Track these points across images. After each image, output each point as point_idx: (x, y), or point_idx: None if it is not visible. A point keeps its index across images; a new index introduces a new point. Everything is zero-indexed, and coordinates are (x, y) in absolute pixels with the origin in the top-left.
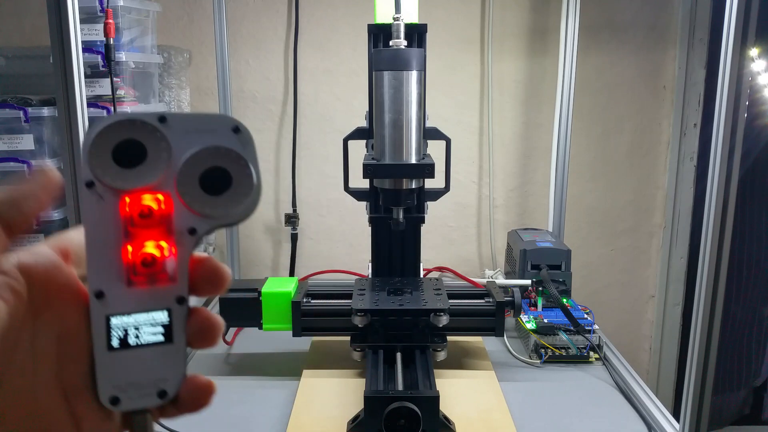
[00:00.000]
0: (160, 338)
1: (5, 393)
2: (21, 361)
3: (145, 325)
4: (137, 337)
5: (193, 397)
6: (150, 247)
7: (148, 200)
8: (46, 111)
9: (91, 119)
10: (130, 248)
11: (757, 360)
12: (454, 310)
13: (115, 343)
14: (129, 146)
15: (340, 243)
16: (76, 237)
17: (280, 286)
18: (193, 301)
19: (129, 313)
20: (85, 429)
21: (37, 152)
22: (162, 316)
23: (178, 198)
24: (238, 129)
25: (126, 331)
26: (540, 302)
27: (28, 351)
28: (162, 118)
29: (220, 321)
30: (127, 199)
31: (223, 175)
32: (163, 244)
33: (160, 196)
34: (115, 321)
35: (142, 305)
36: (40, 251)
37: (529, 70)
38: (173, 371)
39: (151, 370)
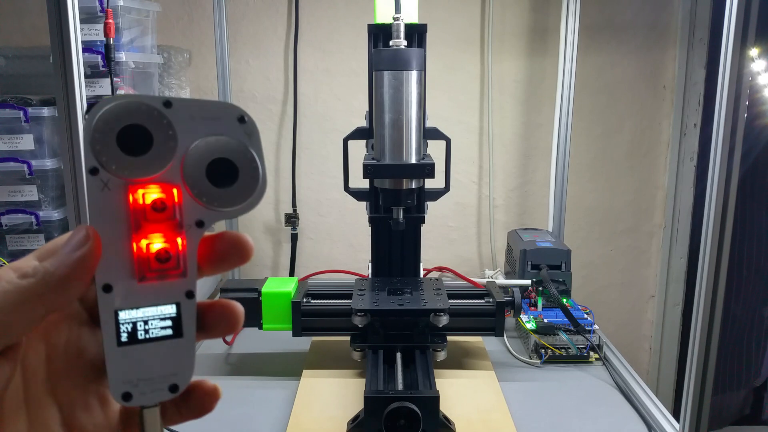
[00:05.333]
0: (169, 332)
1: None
2: (13, 384)
3: (154, 319)
4: (146, 331)
5: (199, 403)
6: (162, 242)
7: (159, 192)
8: (46, 111)
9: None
10: (144, 242)
11: (757, 360)
12: (454, 310)
13: (124, 337)
14: (134, 131)
15: (340, 243)
16: None
17: (280, 286)
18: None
19: (137, 307)
20: None
21: (37, 152)
22: (171, 310)
23: (185, 189)
24: (243, 119)
25: (135, 324)
26: (540, 302)
27: (18, 374)
28: (167, 102)
29: (241, 309)
30: (140, 191)
31: (229, 166)
32: (179, 240)
33: (174, 192)
34: (123, 315)
35: (151, 299)
36: None
37: (529, 70)
38: (183, 365)
39: (161, 364)
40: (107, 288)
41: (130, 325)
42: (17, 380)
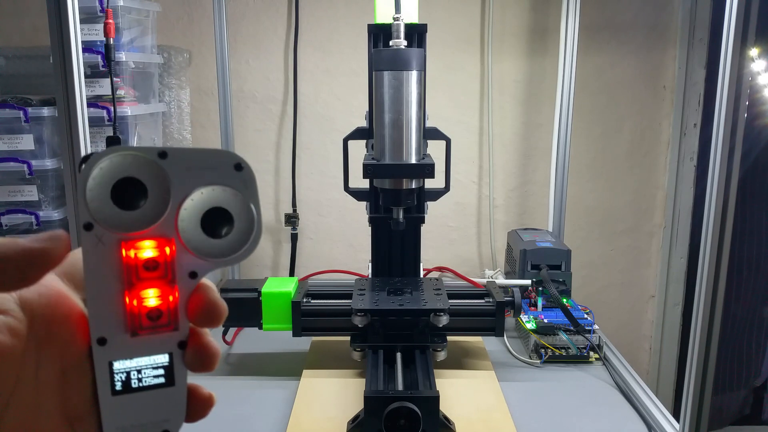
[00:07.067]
0: (162, 380)
1: (9, 425)
2: (24, 393)
3: (147, 368)
4: (140, 380)
5: (194, 410)
6: (154, 298)
7: (151, 249)
8: (46, 111)
9: (92, 154)
10: (135, 302)
11: (757, 360)
12: (454, 310)
13: (118, 387)
14: (129, 184)
15: (340, 243)
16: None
17: (280, 286)
18: None
19: (131, 357)
20: None
21: (37, 152)
22: (163, 359)
23: (179, 242)
24: (240, 166)
25: (128, 374)
26: (540, 302)
27: (31, 383)
28: (163, 153)
29: (217, 350)
30: (132, 252)
31: (224, 215)
32: (171, 297)
33: (167, 249)
34: (117, 366)
35: (144, 351)
36: (44, 281)
37: (529, 70)
38: (175, 411)
39: (154, 411)
40: (102, 341)
41: (124, 374)
42: (30, 392)
